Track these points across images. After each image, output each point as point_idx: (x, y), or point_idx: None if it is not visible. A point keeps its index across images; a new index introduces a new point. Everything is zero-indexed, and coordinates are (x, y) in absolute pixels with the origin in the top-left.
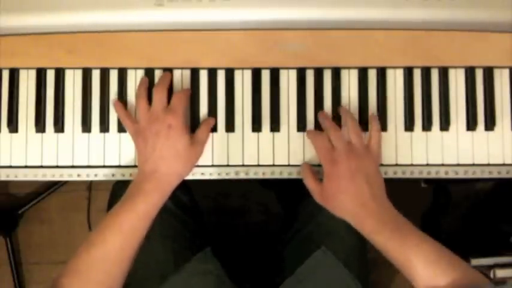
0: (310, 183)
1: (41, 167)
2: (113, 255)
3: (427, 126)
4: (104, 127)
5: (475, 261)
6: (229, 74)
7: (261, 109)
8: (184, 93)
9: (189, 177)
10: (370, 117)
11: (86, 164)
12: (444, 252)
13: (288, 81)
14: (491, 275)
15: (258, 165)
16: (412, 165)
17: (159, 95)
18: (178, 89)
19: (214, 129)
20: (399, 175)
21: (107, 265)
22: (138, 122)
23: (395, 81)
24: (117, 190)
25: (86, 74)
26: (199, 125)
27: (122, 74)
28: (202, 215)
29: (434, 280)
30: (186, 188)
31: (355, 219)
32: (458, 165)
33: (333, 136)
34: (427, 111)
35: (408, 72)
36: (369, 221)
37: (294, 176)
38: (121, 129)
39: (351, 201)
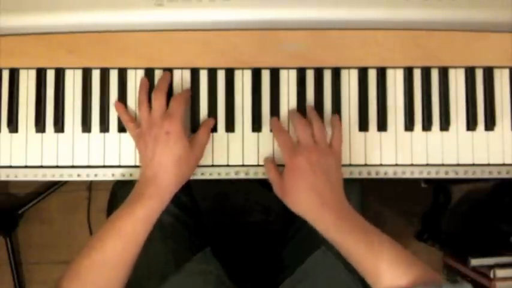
0: (272, 175)
1: (41, 167)
2: (113, 260)
3: (427, 126)
4: (104, 127)
5: (475, 261)
6: (229, 74)
7: (261, 109)
8: (182, 96)
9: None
10: (332, 118)
11: (86, 164)
12: (403, 251)
13: (288, 81)
14: (491, 275)
15: (258, 165)
16: (412, 165)
17: (157, 101)
18: (179, 90)
19: (214, 129)
20: (399, 175)
21: (107, 269)
22: (139, 126)
23: (395, 81)
24: (117, 190)
25: (86, 74)
26: (199, 127)
27: (122, 74)
28: (202, 215)
29: (397, 280)
30: (186, 188)
31: (313, 213)
32: (458, 165)
33: (298, 130)
34: (427, 111)
35: (408, 72)
36: (328, 215)
37: None
38: (121, 129)
39: (309, 194)
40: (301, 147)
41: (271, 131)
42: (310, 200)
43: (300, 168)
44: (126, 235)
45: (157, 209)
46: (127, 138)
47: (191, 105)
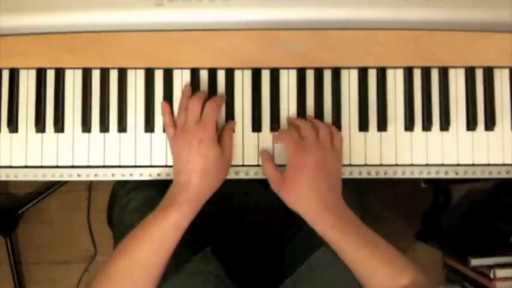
0: (269, 169)
1: (41, 167)
2: (142, 264)
3: (427, 126)
4: (104, 127)
5: (475, 261)
6: (229, 74)
7: (261, 109)
8: (216, 102)
9: None
10: (328, 124)
11: (86, 164)
12: (397, 253)
13: (288, 81)
14: (491, 275)
15: (258, 165)
16: (412, 165)
17: (193, 107)
18: (178, 90)
19: None
20: (399, 175)
21: (136, 273)
22: (176, 130)
23: (395, 81)
24: (117, 190)
25: (86, 74)
26: (223, 130)
27: (122, 74)
28: (202, 215)
29: (391, 280)
30: None
31: (311, 212)
32: (458, 165)
33: (303, 128)
34: (427, 111)
35: (408, 72)
36: (326, 215)
37: None
38: (121, 129)
39: (310, 193)
40: (308, 144)
41: (271, 131)
42: (310, 199)
43: (305, 165)
44: (157, 240)
45: (189, 215)
46: (127, 138)
47: None
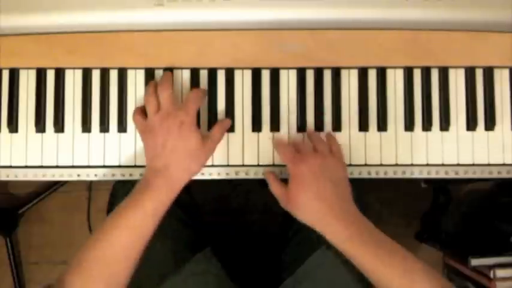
0: (276, 189)
1: (41, 167)
2: (117, 253)
3: (427, 126)
4: (104, 127)
5: (475, 261)
6: (229, 74)
7: (261, 109)
8: (200, 90)
9: None
10: (327, 134)
11: (86, 164)
12: (416, 259)
13: (288, 81)
14: (491, 275)
15: (258, 165)
16: (412, 165)
17: (166, 92)
18: (179, 90)
19: None
20: (399, 175)
21: (112, 263)
22: (148, 118)
23: (395, 81)
24: (117, 190)
25: (86, 74)
26: (215, 125)
27: (122, 74)
28: (202, 215)
29: None
30: (186, 187)
31: (321, 222)
32: (458, 165)
33: (297, 143)
34: (427, 111)
35: (408, 72)
36: (336, 224)
37: None
38: (121, 129)
39: (315, 203)
40: (302, 155)
41: (271, 131)
42: (316, 209)
43: (303, 176)
44: (133, 228)
45: (167, 201)
46: (127, 138)
47: None
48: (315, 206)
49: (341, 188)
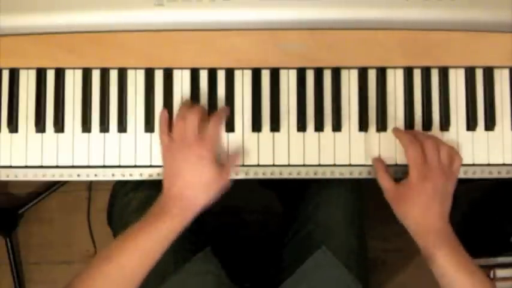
0: (386, 183)
1: (41, 167)
2: (127, 273)
3: (427, 126)
4: (104, 127)
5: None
6: (229, 74)
7: (261, 109)
8: (220, 116)
9: None
10: (452, 148)
11: (86, 164)
12: (490, 284)
13: (288, 81)
14: (491, 275)
15: (258, 166)
16: None
17: (192, 120)
18: (179, 90)
19: None
20: (399, 175)
21: (119, 279)
22: (173, 140)
23: (395, 81)
24: (117, 190)
25: (86, 74)
26: (230, 157)
27: (122, 74)
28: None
29: None
30: None
31: (418, 230)
32: None
33: (426, 146)
34: (427, 111)
35: (408, 72)
36: (432, 238)
37: (294, 176)
38: (121, 129)
39: (422, 214)
40: (431, 172)
41: (271, 131)
42: (420, 220)
43: (424, 192)
44: (144, 251)
45: (179, 229)
46: (127, 138)
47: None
48: (419, 217)
49: (446, 206)
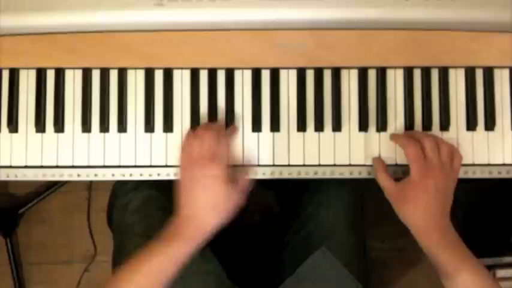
0: (385, 182)
1: (41, 167)
2: None
3: (426, 126)
4: (104, 127)
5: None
6: (229, 74)
7: (261, 109)
8: (230, 137)
9: None
10: (452, 146)
11: (86, 164)
12: (494, 283)
13: (288, 81)
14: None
15: (258, 166)
16: None
17: (208, 141)
18: (179, 90)
19: None
20: (399, 175)
21: None
22: (188, 159)
23: (395, 81)
24: (117, 190)
25: (86, 74)
26: (242, 172)
27: (122, 74)
28: None
29: None
30: None
31: (420, 230)
32: None
33: (427, 144)
34: (427, 111)
35: (408, 72)
36: (434, 237)
37: (294, 176)
38: (121, 129)
39: (424, 214)
40: (432, 167)
41: (271, 131)
42: (422, 219)
43: (426, 190)
44: (157, 272)
45: (192, 250)
46: (127, 138)
47: (191, 105)
48: (421, 216)
49: (447, 204)
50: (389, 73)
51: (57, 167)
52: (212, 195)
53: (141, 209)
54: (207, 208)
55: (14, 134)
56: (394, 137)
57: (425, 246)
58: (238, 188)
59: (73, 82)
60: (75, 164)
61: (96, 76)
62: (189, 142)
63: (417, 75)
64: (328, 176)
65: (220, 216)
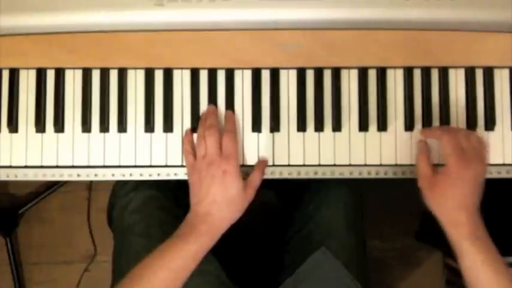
0: (424, 167)
1: (41, 167)
2: None
3: (427, 126)
4: (104, 127)
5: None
6: (229, 74)
7: (261, 109)
8: (233, 132)
9: None
10: (480, 138)
11: (86, 164)
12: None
13: (288, 81)
14: None
15: None
16: (412, 165)
17: (212, 138)
18: (179, 90)
19: None
20: (399, 175)
21: None
22: (197, 159)
23: (395, 81)
24: (117, 190)
25: (86, 74)
26: (254, 168)
27: (122, 74)
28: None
29: None
30: (187, 188)
31: (450, 220)
32: None
33: (462, 135)
34: (427, 111)
35: (408, 72)
36: (463, 229)
37: (294, 176)
38: (121, 129)
39: (457, 205)
40: (470, 158)
41: (271, 131)
42: (454, 210)
43: (464, 180)
44: (175, 268)
45: (208, 246)
46: (127, 138)
47: (191, 105)
48: (454, 207)
49: (479, 195)
50: (389, 73)
51: (57, 167)
52: (225, 190)
53: (141, 209)
54: (221, 203)
55: (14, 134)
56: (425, 131)
57: (452, 238)
58: (250, 184)
59: (73, 82)
60: (75, 164)
61: (96, 76)
62: (197, 143)
63: (417, 75)
64: (328, 176)
65: (234, 211)
